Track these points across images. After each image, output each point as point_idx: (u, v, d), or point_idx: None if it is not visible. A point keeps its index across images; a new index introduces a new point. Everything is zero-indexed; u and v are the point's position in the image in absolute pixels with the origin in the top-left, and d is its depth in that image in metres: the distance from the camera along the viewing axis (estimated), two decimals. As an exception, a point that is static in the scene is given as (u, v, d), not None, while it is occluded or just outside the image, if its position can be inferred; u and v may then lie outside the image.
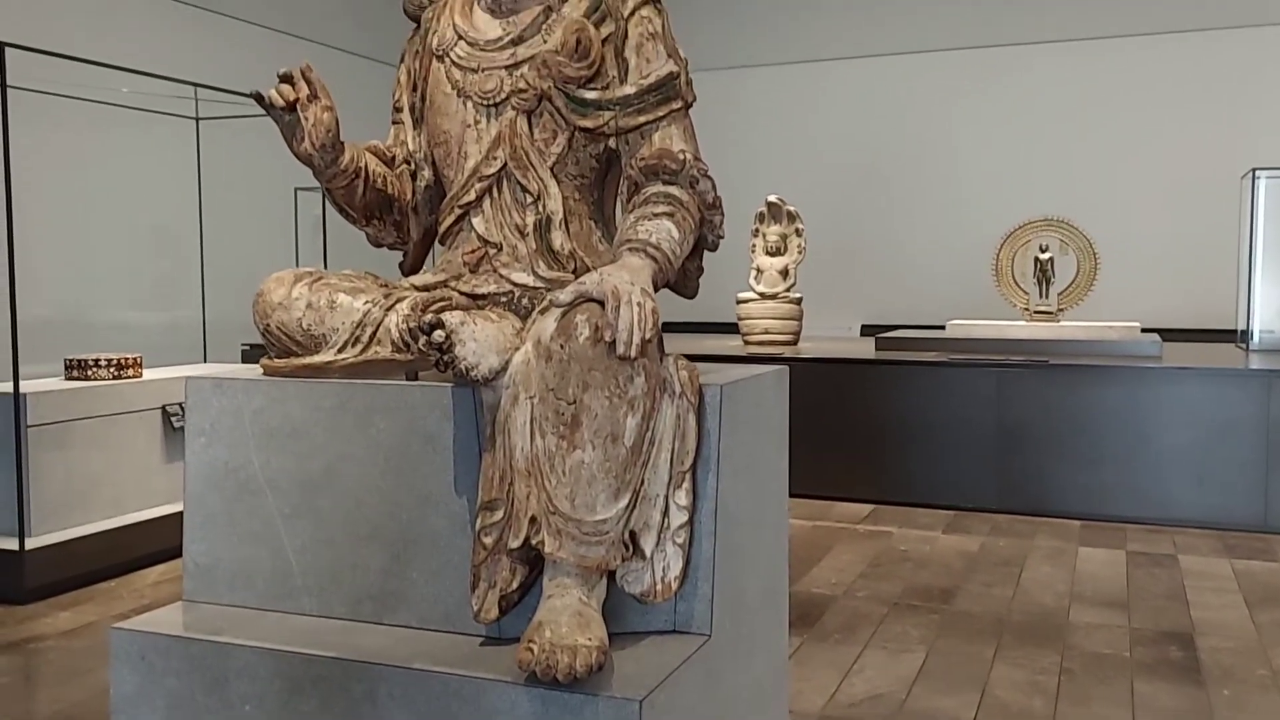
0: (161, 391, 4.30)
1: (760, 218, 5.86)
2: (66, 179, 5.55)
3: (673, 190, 1.87)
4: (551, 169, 1.95)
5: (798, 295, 5.80)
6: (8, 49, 3.70)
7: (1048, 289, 5.34)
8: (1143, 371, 4.64)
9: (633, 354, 1.54)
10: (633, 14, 1.97)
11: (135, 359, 4.29)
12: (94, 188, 5.75)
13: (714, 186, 1.91)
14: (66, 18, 5.60)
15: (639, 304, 1.57)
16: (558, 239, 1.93)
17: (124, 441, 4.14)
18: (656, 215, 1.83)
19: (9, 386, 3.80)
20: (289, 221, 6.36)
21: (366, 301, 1.82)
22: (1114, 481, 4.59)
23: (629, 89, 1.93)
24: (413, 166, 2.12)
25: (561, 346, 1.55)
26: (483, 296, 1.93)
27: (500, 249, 1.95)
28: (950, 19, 7.54)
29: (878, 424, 4.97)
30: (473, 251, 1.97)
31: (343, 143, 1.92)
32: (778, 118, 7.96)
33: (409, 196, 2.11)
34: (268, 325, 1.87)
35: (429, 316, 1.63)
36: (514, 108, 1.94)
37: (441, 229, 2.05)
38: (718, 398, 1.72)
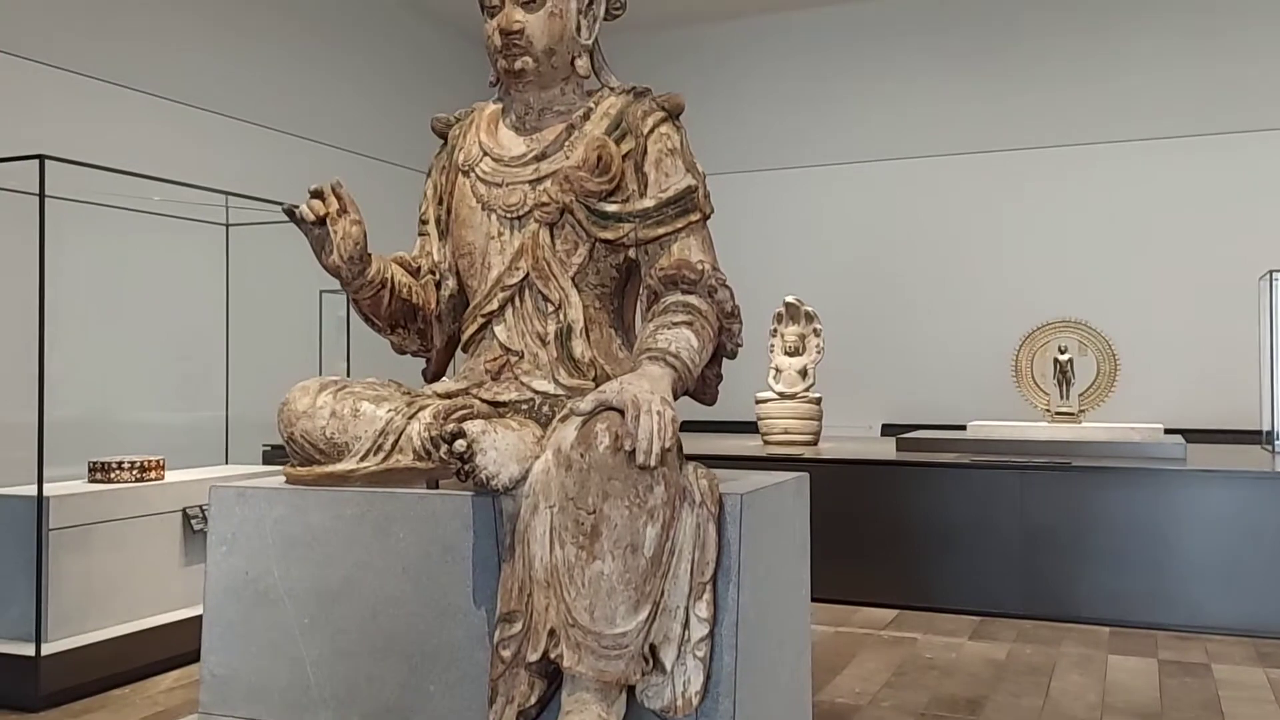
0: (182, 494, 4.31)
1: (778, 318, 5.90)
2: (97, 283, 5.67)
3: (691, 299, 1.91)
4: (573, 279, 2.00)
5: (817, 395, 5.80)
6: (47, 161, 3.82)
7: (1068, 390, 5.33)
8: (1167, 474, 4.59)
9: (652, 463, 1.55)
10: (652, 131, 2.04)
11: (158, 461, 4.32)
12: (124, 291, 5.87)
13: (732, 295, 1.95)
14: (103, 127, 5.79)
15: (658, 413, 1.58)
16: (578, 347, 1.97)
17: (143, 544, 4.14)
18: (675, 324, 1.87)
19: (33, 489, 3.82)
20: (313, 323, 6.45)
21: (389, 410, 1.85)
22: (1142, 586, 4.51)
23: (648, 202, 1.99)
24: (437, 276, 2.17)
25: (581, 455, 1.56)
26: (504, 404, 1.96)
27: (522, 357, 1.99)
28: (965, 123, 7.68)
29: (900, 526, 4.92)
30: (495, 359, 2.01)
31: (370, 254, 1.98)
32: (795, 219, 8.07)
33: (433, 306, 2.16)
34: (292, 433, 1.90)
35: (450, 426, 1.65)
36: (537, 220, 2.00)
37: (465, 337, 2.10)
38: (738, 507, 1.72)
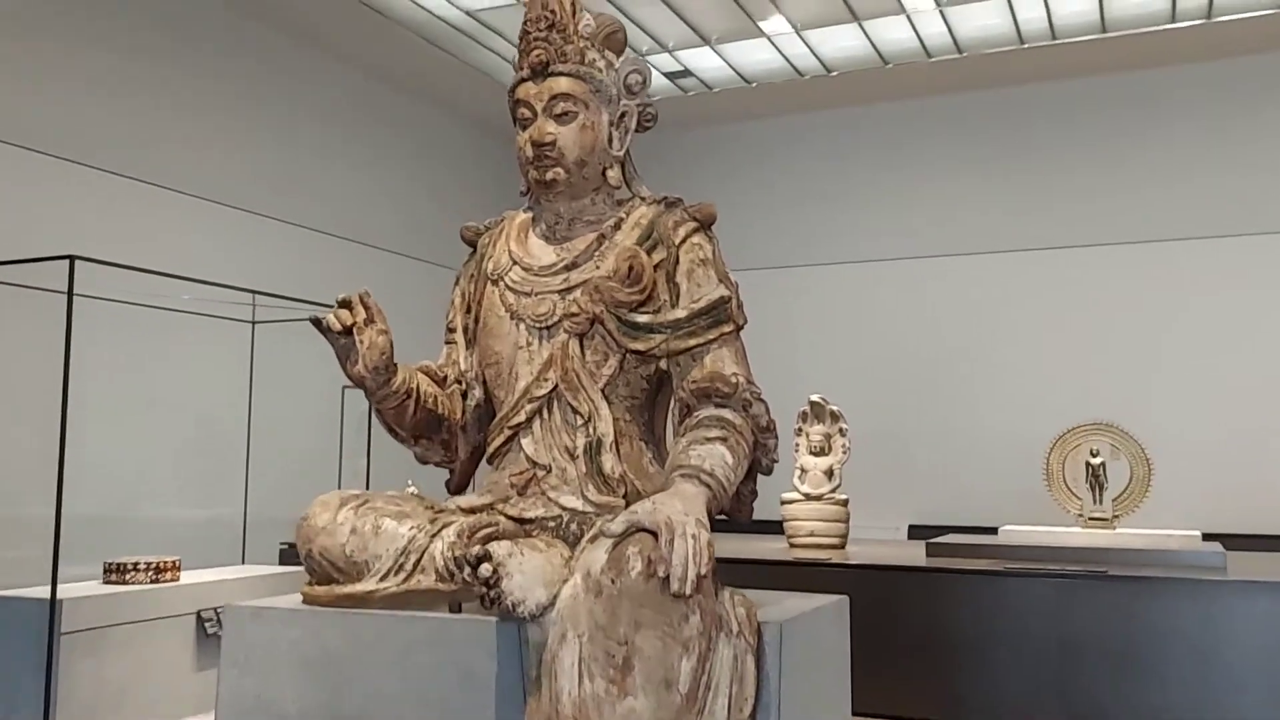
0: (197, 596, 4.23)
1: (803, 417, 5.83)
2: (121, 380, 5.67)
3: (725, 414, 1.86)
4: (602, 390, 1.96)
5: (844, 496, 5.69)
6: (77, 261, 3.84)
7: (1101, 495, 5.21)
8: (1208, 585, 4.44)
9: (688, 590, 1.48)
10: (684, 241, 2.02)
11: (173, 562, 4.25)
12: (147, 388, 5.87)
13: (767, 410, 1.90)
14: (133, 227, 5.86)
15: (694, 536, 1.52)
16: (608, 462, 1.91)
17: (156, 648, 4.05)
18: (709, 440, 1.81)
19: (46, 591, 3.76)
20: (334, 419, 6.42)
21: (412, 527, 1.79)
22: (1182, 700, 4.32)
23: (680, 313, 1.96)
24: (463, 386, 2.13)
25: (612, 581, 1.49)
26: (530, 520, 1.90)
27: (549, 471, 1.93)
28: (993, 221, 7.70)
29: (932, 635, 4.77)
30: (521, 473, 1.95)
31: (395, 364, 1.94)
32: (821, 317, 8.05)
33: (458, 416, 2.11)
34: (310, 550, 1.85)
35: (476, 548, 1.58)
36: (566, 330, 1.97)
37: (490, 449, 2.04)
38: (778, 636, 1.64)
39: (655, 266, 1.99)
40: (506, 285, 2.08)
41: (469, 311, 2.17)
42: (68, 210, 5.52)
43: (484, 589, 1.56)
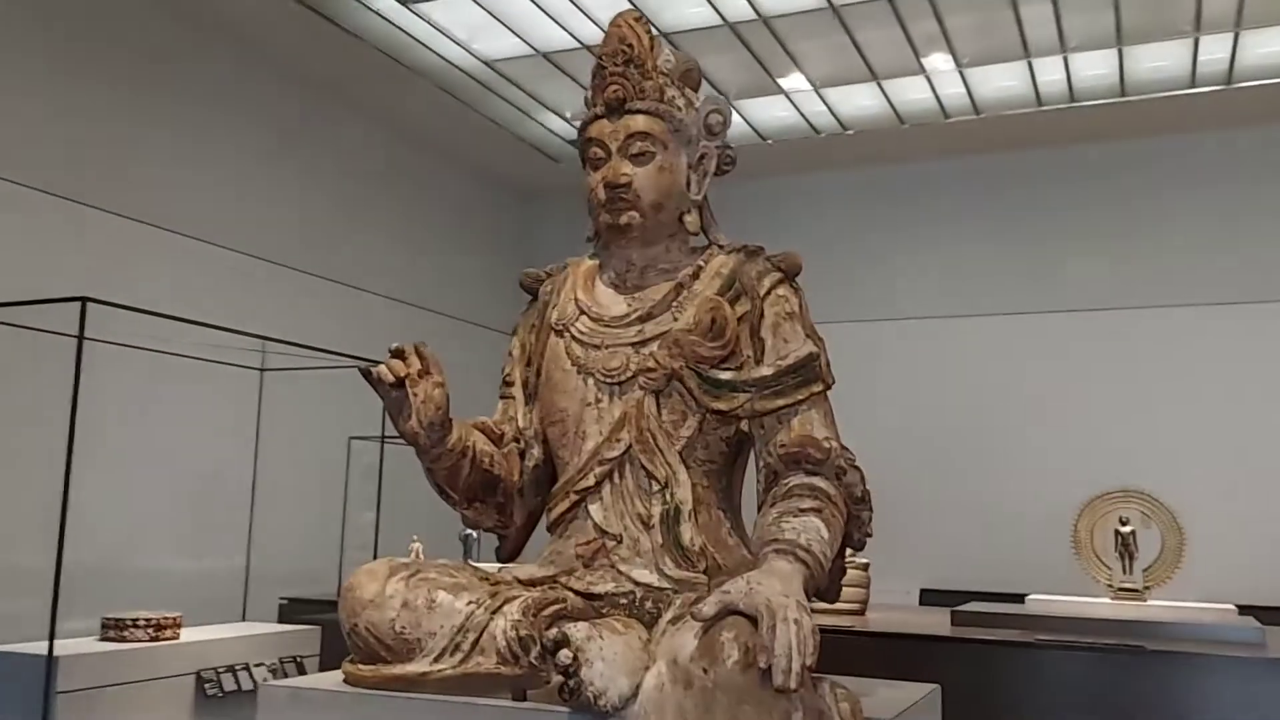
0: (198, 655, 4.06)
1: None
2: (126, 425, 5.52)
3: (818, 482, 1.73)
4: (680, 453, 1.81)
5: (864, 560, 5.53)
6: (89, 303, 3.72)
7: (1131, 564, 5.07)
8: (1247, 663, 4.28)
9: (792, 684, 1.33)
10: (769, 293, 1.89)
11: (174, 619, 4.09)
12: (152, 434, 5.71)
13: (863, 479, 1.77)
14: (142, 272, 5.74)
15: (796, 620, 1.37)
16: (687, 532, 1.76)
17: (155, 709, 3.87)
18: (803, 511, 1.67)
19: (43, 646, 3.59)
20: (340, 470, 6.26)
21: (470, 602, 1.64)
22: (1223, 783, 4.15)
23: (766, 370, 1.82)
24: (522, 445, 1.99)
25: (705, 671, 1.35)
26: (599, 596, 1.74)
27: (620, 541, 1.78)
28: (1020, 282, 7.65)
29: (959, 709, 4.58)
30: (588, 543, 1.80)
31: (451, 420, 1.81)
32: (839, 374, 7.94)
33: (516, 478, 1.96)
34: (355, 625, 1.68)
35: (553, 631, 1.44)
36: (641, 387, 1.83)
37: (552, 515, 1.90)
38: (878, 734, 1.50)
39: (738, 319, 1.86)
40: (573, 336, 1.94)
41: (529, 364, 2.03)
42: (77, 254, 5.40)
43: (562, 678, 1.42)
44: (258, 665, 4.24)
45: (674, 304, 1.89)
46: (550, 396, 1.94)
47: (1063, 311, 7.45)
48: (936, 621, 5.29)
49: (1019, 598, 5.57)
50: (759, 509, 1.83)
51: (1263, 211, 7.16)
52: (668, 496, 1.78)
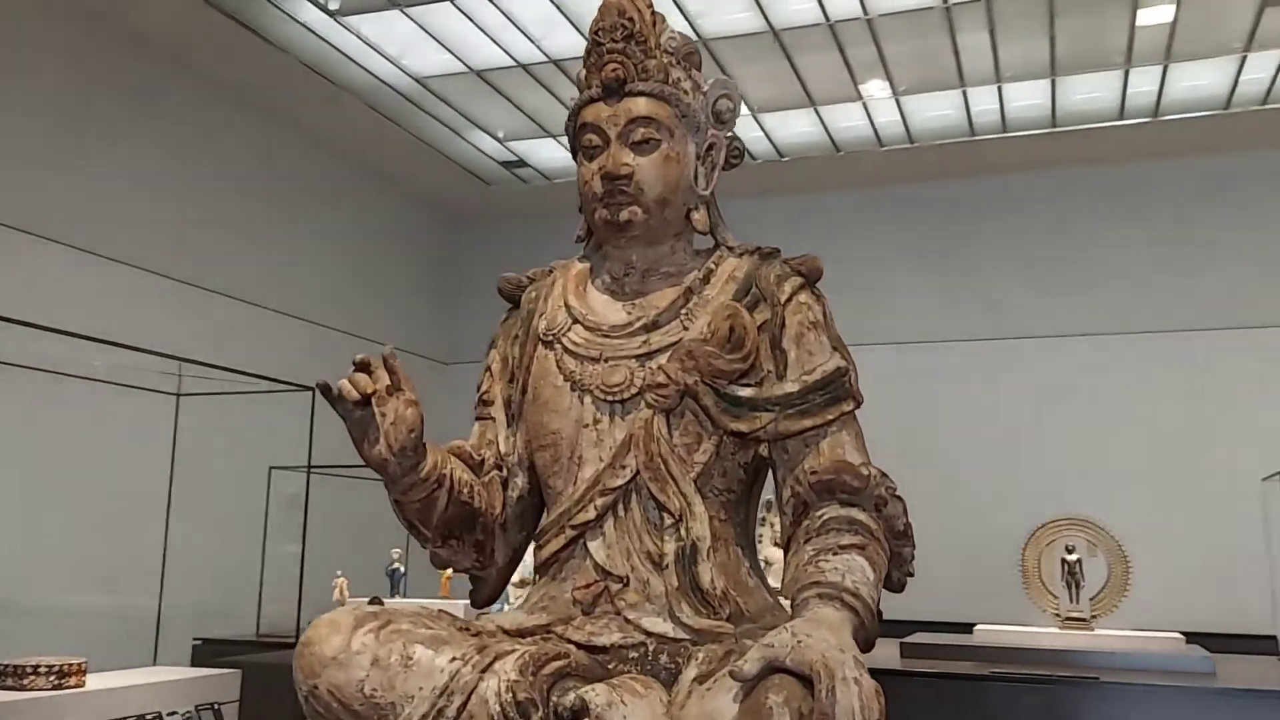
0: (105, 705, 3.73)
1: (768, 506, 5.54)
2: (25, 453, 5.14)
3: (856, 514, 1.52)
4: (695, 481, 1.59)
5: (808, 593, 5.40)
6: (-9, 320, 3.42)
7: (1078, 593, 5.01)
8: (1198, 693, 4.23)
9: None
10: (790, 299, 1.68)
11: (79, 665, 3.75)
12: (55, 463, 5.33)
13: (905, 510, 1.58)
14: (50, 289, 5.38)
15: (856, 680, 1.18)
16: (706, 573, 1.53)
17: (56, 765, 3.53)
18: (844, 548, 1.47)
19: (-72, 700, 3.24)
20: (260, 501, 5.93)
21: (454, 658, 1.37)
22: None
23: (791, 386, 1.61)
24: (504, 473, 1.74)
25: None
26: (603, 649, 1.50)
27: (626, 584, 1.55)
28: (956, 311, 7.65)
29: (911, 745, 4.45)
30: (588, 586, 1.55)
31: (424, 444, 1.58)
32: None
33: (498, 510, 1.71)
34: (315, 687, 1.40)
35: (570, 698, 1.22)
36: (649, 405, 1.60)
37: (543, 554, 1.65)
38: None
39: (758, 329, 1.66)
40: (565, 348, 1.71)
41: (512, 380, 1.78)
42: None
43: None
44: (170, 714, 3.91)
45: (683, 311, 1.67)
46: (539, 417, 1.70)
47: (1000, 339, 7.47)
48: (885, 654, 5.16)
49: (967, 627, 5.48)
50: (786, 544, 1.63)
51: (1192, 242, 7.29)
52: (682, 532, 1.56)
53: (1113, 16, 5.96)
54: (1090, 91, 6.80)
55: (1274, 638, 5.30)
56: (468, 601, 6.50)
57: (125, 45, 6.03)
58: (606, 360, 1.66)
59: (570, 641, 1.51)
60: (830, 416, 1.63)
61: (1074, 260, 7.53)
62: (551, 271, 1.88)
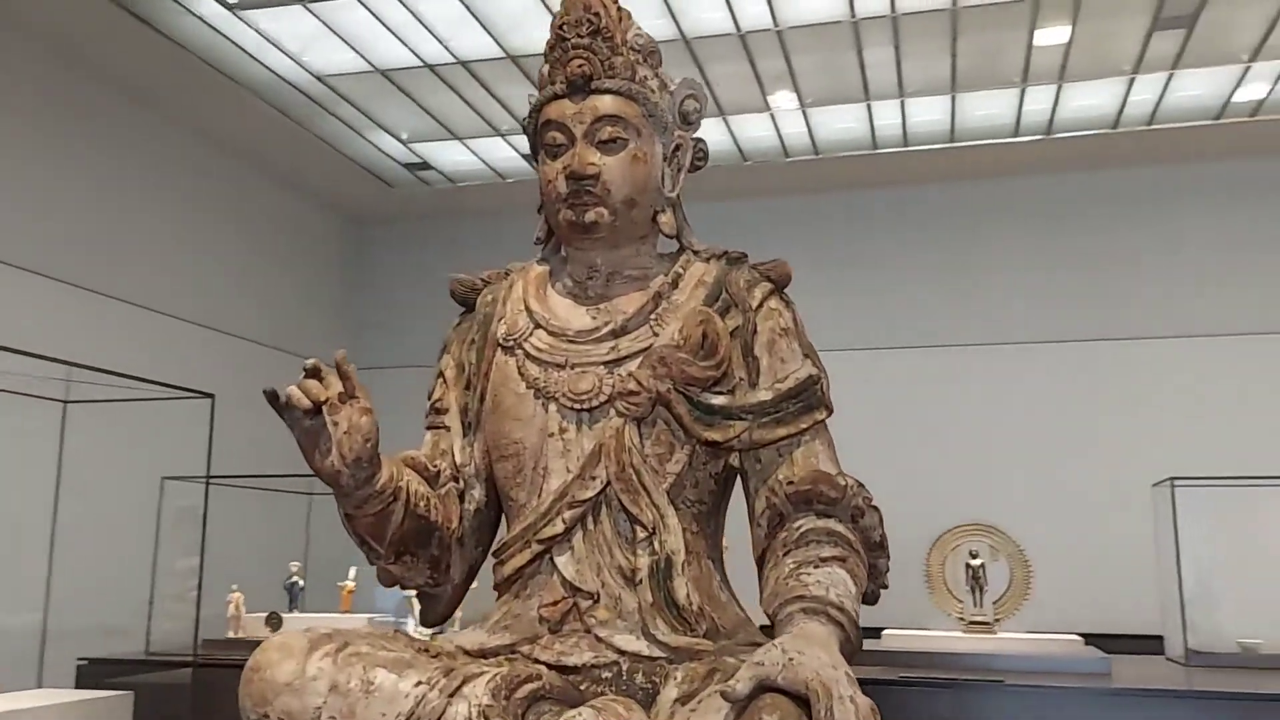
0: (-13, 732, 3.50)
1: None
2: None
3: (834, 525, 1.50)
4: (668, 493, 1.55)
5: (719, 601, 5.41)
6: None
7: (981, 597, 5.13)
8: (1095, 693, 4.38)
9: None
10: (761, 305, 1.65)
11: (-42, 689, 3.51)
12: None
13: (881, 521, 1.57)
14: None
15: (852, 699, 1.16)
16: (682, 589, 1.48)
17: (-71, 799, 3.30)
18: (825, 561, 1.44)
19: None
20: (151, 513, 5.67)
21: (419, 682, 1.30)
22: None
23: (764, 394, 1.58)
24: (461, 485, 1.67)
25: None
26: (574, 669, 1.45)
27: (596, 601, 1.49)
28: (866, 320, 7.78)
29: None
30: (556, 603, 1.49)
31: (379, 455, 1.48)
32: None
33: (454, 524, 1.63)
34: (265, 716, 1.30)
35: None
36: (620, 413, 1.54)
37: (505, 570, 1.58)
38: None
39: (730, 334, 1.62)
40: (527, 354, 1.65)
41: (468, 387, 1.71)
42: None
43: None
44: (58, 739, 3.70)
45: (652, 316, 1.63)
46: (500, 426, 1.64)
47: (901, 348, 7.64)
48: (794, 660, 5.21)
49: (875, 632, 5.57)
50: (760, 557, 1.60)
51: (1085, 254, 7.56)
52: (656, 545, 1.51)
53: (1011, 37, 6.15)
54: (988, 108, 7.01)
55: (1160, 638, 5.52)
56: (369, 617, 6.29)
57: (9, 35, 5.72)
58: (572, 367, 1.61)
59: (538, 662, 1.46)
60: (804, 425, 1.62)
61: (972, 271, 7.74)
62: (508, 274, 1.82)
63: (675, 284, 1.68)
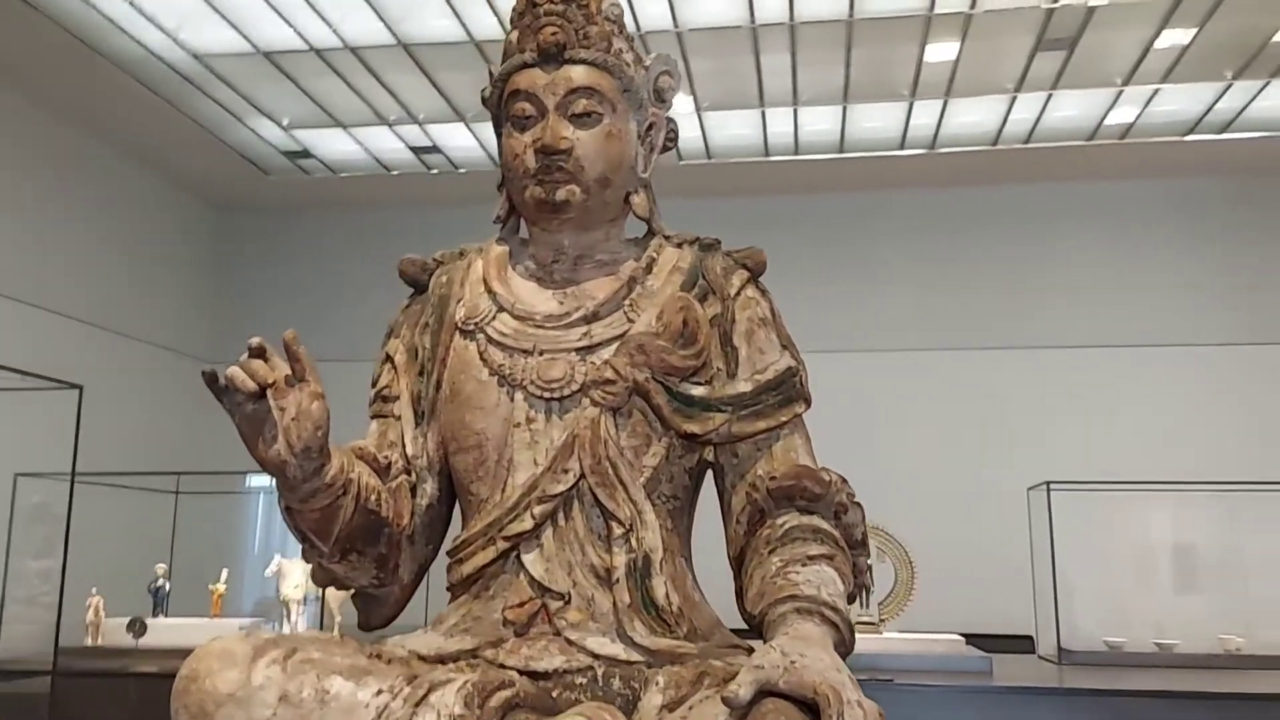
0: None
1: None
2: None
3: (819, 522, 1.44)
4: (644, 487, 1.46)
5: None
6: None
7: (867, 598, 5.20)
8: (978, 691, 4.49)
9: None
10: (739, 293, 1.58)
11: None
12: None
13: (863, 518, 1.52)
14: None
15: (860, 703, 1.10)
16: (660, 588, 1.41)
17: None
18: (813, 559, 1.38)
19: None
20: (2, 512, 5.28)
21: (380, 691, 1.20)
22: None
23: (744, 385, 1.52)
24: (413, 478, 1.54)
25: None
26: (544, 675, 1.35)
27: (567, 602, 1.40)
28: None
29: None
30: (522, 605, 1.39)
31: (329, 445, 1.35)
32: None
33: (405, 520, 1.50)
34: None
35: None
36: (595, 403, 1.45)
37: (463, 569, 1.47)
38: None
39: (710, 322, 1.55)
40: (490, 339, 1.53)
41: (421, 374, 1.58)
42: None
43: None
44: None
45: (626, 302, 1.54)
46: (459, 415, 1.52)
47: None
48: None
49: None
50: (738, 554, 1.53)
51: (964, 266, 7.80)
52: (633, 542, 1.42)
53: (903, 51, 6.28)
54: (876, 121, 7.15)
55: (1030, 637, 5.72)
56: (240, 621, 5.98)
57: None
58: (542, 353, 1.50)
59: (505, 667, 1.35)
60: (784, 418, 1.56)
61: (855, 280, 7.90)
62: (463, 254, 1.70)
63: (649, 269, 1.59)
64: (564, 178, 1.55)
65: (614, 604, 1.41)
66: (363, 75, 6.75)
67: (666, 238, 1.67)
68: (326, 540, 1.41)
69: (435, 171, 8.14)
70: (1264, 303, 7.60)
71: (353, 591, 1.54)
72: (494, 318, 1.55)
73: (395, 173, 8.15)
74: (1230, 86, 6.62)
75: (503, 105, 1.62)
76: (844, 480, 1.51)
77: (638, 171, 1.64)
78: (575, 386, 1.47)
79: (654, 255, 1.61)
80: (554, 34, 1.55)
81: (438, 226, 8.59)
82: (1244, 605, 6.25)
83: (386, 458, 1.52)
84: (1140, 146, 7.36)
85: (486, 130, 7.45)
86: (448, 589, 1.51)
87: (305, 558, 1.48)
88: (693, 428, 1.49)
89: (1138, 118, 7.07)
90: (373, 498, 1.43)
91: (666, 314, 1.51)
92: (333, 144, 7.77)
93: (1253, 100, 6.78)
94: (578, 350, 1.50)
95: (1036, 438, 7.25)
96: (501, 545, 1.44)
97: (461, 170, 8.08)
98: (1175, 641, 5.75)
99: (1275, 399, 7.38)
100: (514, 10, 1.63)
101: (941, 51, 6.28)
